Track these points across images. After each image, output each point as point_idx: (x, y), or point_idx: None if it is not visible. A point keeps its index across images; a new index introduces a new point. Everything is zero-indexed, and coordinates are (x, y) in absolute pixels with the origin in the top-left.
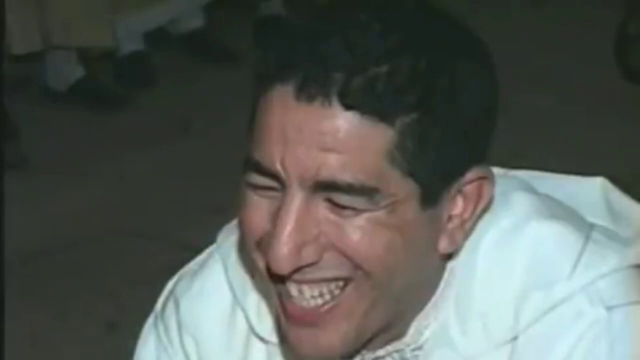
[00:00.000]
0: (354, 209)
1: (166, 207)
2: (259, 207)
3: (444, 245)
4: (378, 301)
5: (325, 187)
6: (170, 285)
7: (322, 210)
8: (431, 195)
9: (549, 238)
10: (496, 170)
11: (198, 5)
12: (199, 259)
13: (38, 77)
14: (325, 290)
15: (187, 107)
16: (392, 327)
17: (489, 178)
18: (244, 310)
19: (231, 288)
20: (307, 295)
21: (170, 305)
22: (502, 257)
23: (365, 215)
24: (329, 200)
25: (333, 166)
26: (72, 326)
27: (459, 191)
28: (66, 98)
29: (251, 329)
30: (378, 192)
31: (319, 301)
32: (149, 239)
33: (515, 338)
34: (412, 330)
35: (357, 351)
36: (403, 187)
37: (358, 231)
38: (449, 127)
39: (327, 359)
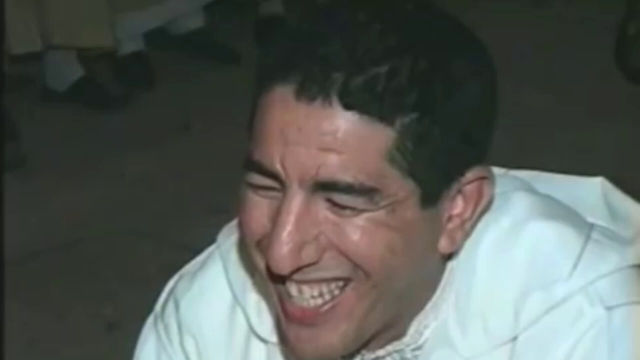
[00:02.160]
0: (353, 209)
1: (166, 207)
2: (259, 207)
3: (444, 245)
4: (378, 301)
5: (325, 187)
6: (170, 285)
7: (322, 210)
8: (431, 195)
9: (549, 238)
10: (496, 170)
11: (198, 5)
12: (199, 259)
13: (38, 77)
14: (325, 290)
15: (187, 107)
16: (392, 327)
17: (489, 178)
18: (244, 310)
19: (231, 288)
20: (307, 295)
21: (170, 305)
22: (502, 257)
23: (365, 215)
24: (329, 200)
25: (333, 166)
26: (72, 326)
27: (459, 191)
28: (66, 98)
29: (251, 328)
30: (378, 192)
31: (319, 301)
32: (149, 239)
33: (515, 338)
34: (412, 330)
35: (357, 351)
36: (403, 187)
37: (358, 231)
38: (449, 127)
39: (327, 359)
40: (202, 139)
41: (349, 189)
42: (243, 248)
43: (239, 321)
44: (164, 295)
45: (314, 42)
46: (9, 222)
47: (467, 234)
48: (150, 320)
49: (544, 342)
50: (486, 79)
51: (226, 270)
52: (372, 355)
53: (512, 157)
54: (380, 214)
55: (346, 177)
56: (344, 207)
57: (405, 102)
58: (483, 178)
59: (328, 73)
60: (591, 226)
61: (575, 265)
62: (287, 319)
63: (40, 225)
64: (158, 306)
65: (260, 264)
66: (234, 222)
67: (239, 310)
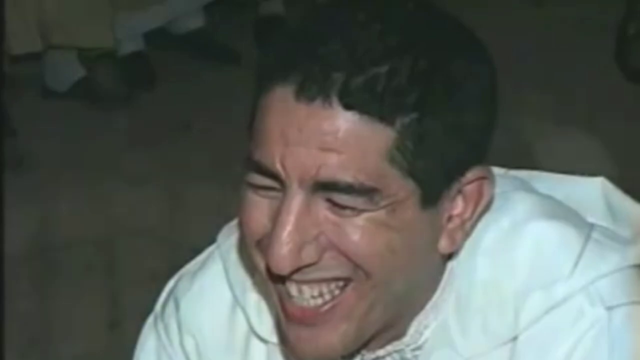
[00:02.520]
0: (354, 209)
1: (166, 207)
2: (259, 207)
3: (444, 245)
4: (378, 301)
5: (325, 187)
6: (170, 285)
7: (322, 210)
8: (431, 195)
9: (549, 238)
10: (496, 170)
11: (198, 5)
12: (199, 259)
13: (38, 77)
14: (325, 290)
15: (187, 107)
16: (392, 327)
17: (489, 178)
18: (244, 310)
19: (231, 288)
20: (307, 295)
21: (170, 305)
22: (502, 257)
23: (365, 215)
24: (329, 200)
25: (333, 166)
26: (72, 326)
27: (459, 191)
28: (66, 98)
29: (251, 329)
30: (378, 192)
31: (319, 301)
32: (149, 239)
33: (515, 338)
34: (412, 330)
35: (357, 351)
36: (403, 187)
37: (358, 231)
38: (449, 127)
39: (327, 359)
40: (202, 139)
41: (349, 189)
42: (243, 248)
43: (239, 321)
44: (164, 295)
45: (314, 42)
46: (8, 222)
47: (467, 234)
48: (150, 320)
49: (544, 342)
50: (486, 79)
51: (226, 270)
52: (372, 355)
53: (512, 157)
54: (380, 214)
55: (346, 177)
56: (344, 207)
57: (405, 102)
58: (483, 178)
59: (328, 73)
60: (591, 226)
61: (575, 265)
62: (287, 319)
63: (40, 225)
64: (158, 306)
65: (260, 264)
66: (234, 222)
67: (239, 310)
